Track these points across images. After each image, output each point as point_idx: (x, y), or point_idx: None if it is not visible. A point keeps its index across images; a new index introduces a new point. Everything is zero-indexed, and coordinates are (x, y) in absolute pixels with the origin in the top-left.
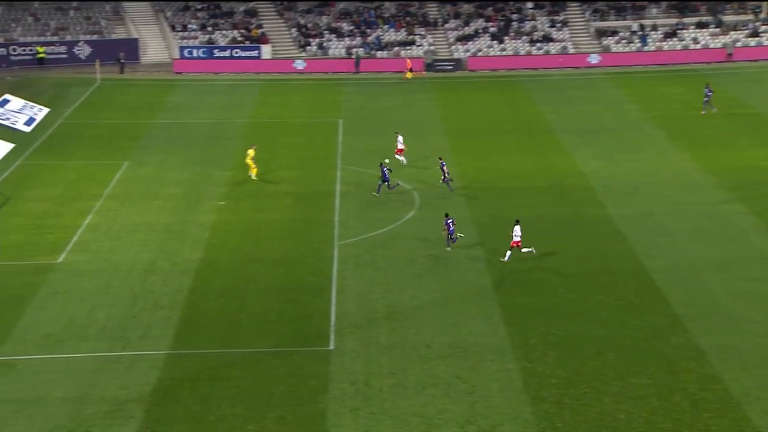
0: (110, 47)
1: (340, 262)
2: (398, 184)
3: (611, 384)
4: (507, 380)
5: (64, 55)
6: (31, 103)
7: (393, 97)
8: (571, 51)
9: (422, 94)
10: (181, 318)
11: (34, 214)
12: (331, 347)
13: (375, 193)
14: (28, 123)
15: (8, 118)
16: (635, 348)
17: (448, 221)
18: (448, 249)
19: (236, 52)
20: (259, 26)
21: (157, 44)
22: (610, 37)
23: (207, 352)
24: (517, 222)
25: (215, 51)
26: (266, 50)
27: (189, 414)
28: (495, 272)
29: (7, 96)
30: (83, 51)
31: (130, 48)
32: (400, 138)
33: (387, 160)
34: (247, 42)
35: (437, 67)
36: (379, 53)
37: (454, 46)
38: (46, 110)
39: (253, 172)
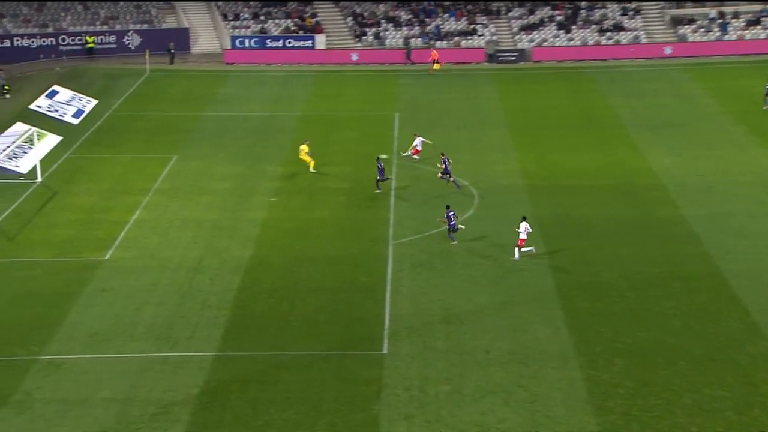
0: (160, 37)
1: (394, 262)
2: (389, 178)
3: (683, 395)
4: (570, 389)
5: (114, 45)
6: (80, 95)
7: (452, 90)
8: (644, 41)
9: (483, 86)
10: (229, 318)
11: (82, 209)
12: (385, 351)
13: (377, 191)
14: (76, 115)
15: (56, 110)
16: (710, 357)
17: (450, 213)
18: (455, 243)
19: (289, 42)
20: (314, 15)
21: (208, 34)
22: (686, 26)
23: (256, 354)
24: (524, 219)
25: (268, 41)
26: (320, 40)
27: (236, 418)
28: (558, 275)
29: (55, 87)
30: (133, 41)
31: (181, 38)
32: (420, 139)
33: (384, 156)
34: (301, 32)
35: (499, 58)
36: (438, 43)
37: (517, 36)
38: (94, 102)
39: (311, 165)
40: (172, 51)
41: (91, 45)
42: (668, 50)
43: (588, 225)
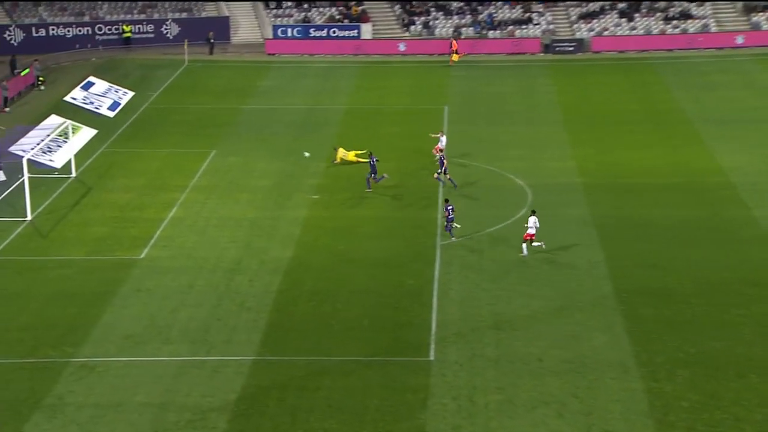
0: (199, 26)
1: (442, 264)
2: (384, 176)
3: (754, 411)
4: (630, 401)
5: (151, 35)
6: (116, 86)
7: (506, 82)
8: (714, 29)
9: (538, 79)
10: (268, 321)
11: (117, 206)
12: (432, 358)
13: (367, 190)
14: (112, 107)
15: (92, 102)
16: None
17: (449, 207)
18: (454, 239)
19: (334, 32)
20: (360, 3)
21: (249, 23)
22: (760, 13)
23: (296, 359)
24: (533, 213)
25: (311, 30)
26: (366, 30)
27: (275, 426)
28: (618, 279)
29: (91, 78)
30: (171, 30)
31: (221, 27)
32: (444, 138)
33: (307, 154)
34: (346, 21)
35: (556, 49)
36: (491, 33)
37: (576, 25)
38: (130, 94)
39: (351, 156)
40: (212, 41)
41: (128, 34)
42: (740, 39)
43: (651, 226)
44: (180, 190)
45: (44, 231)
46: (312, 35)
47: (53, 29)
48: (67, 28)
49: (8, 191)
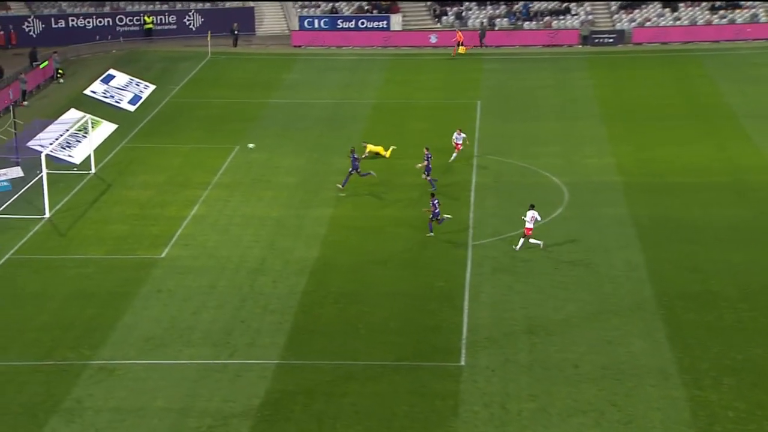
0: (223, 17)
1: (474, 265)
2: (371, 173)
3: None
4: (671, 410)
5: (174, 26)
6: (137, 80)
7: (542, 75)
8: (763, 20)
9: (576, 72)
10: (293, 324)
11: (137, 203)
12: (462, 363)
13: (339, 186)
14: (132, 101)
15: (112, 96)
16: None
17: (434, 201)
18: (431, 235)
19: (362, 23)
20: None
21: (274, 14)
22: None
23: (321, 363)
24: (532, 207)
25: (339, 22)
26: (396, 21)
27: None
28: (659, 282)
29: (111, 71)
30: (194, 21)
31: (245, 18)
32: (462, 135)
33: (251, 145)
34: (375, 11)
35: (595, 41)
36: (526, 24)
37: (616, 16)
38: (152, 87)
39: (384, 152)
40: (236, 32)
41: (150, 26)
42: None
43: (694, 227)
44: (202, 187)
45: (62, 229)
46: (339, 27)
47: (73, 20)
48: (88, 19)
49: (26, 188)
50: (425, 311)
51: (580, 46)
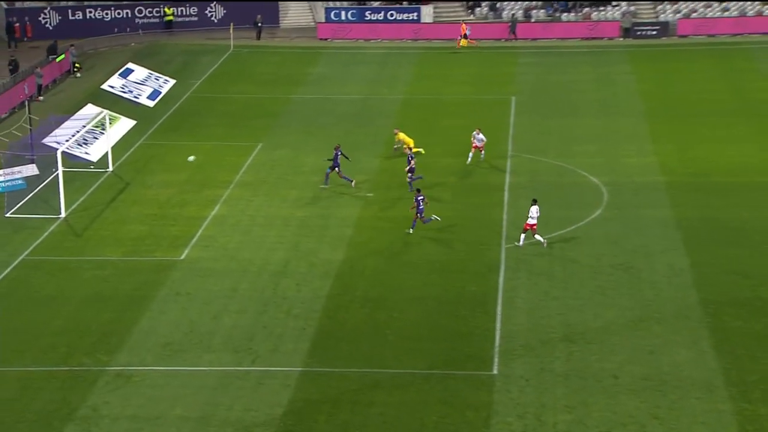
0: (246, 9)
1: (508, 269)
2: (351, 181)
3: None
4: (717, 424)
5: (195, 18)
6: (156, 74)
7: (580, 70)
8: None
9: (617, 66)
10: (317, 330)
11: (156, 203)
12: (495, 372)
13: (323, 185)
14: (152, 96)
15: (131, 91)
16: None
17: (419, 198)
18: (409, 232)
19: (391, 15)
20: None
21: (299, 5)
22: None
23: (347, 371)
24: (535, 202)
25: (367, 13)
26: (427, 12)
27: None
28: (705, 288)
29: (130, 65)
30: (216, 13)
31: (269, 10)
32: (481, 135)
33: (192, 158)
34: (405, 3)
35: (638, 33)
36: (564, 15)
37: (660, 7)
38: (172, 82)
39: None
40: (260, 25)
41: (170, 18)
42: None
43: (743, 230)
44: (224, 186)
45: (79, 229)
46: (367, 18)
47: (91, 12)
48: (106, 11)
49: (41, 186)
50: (456, 317)
51: (622, 39)
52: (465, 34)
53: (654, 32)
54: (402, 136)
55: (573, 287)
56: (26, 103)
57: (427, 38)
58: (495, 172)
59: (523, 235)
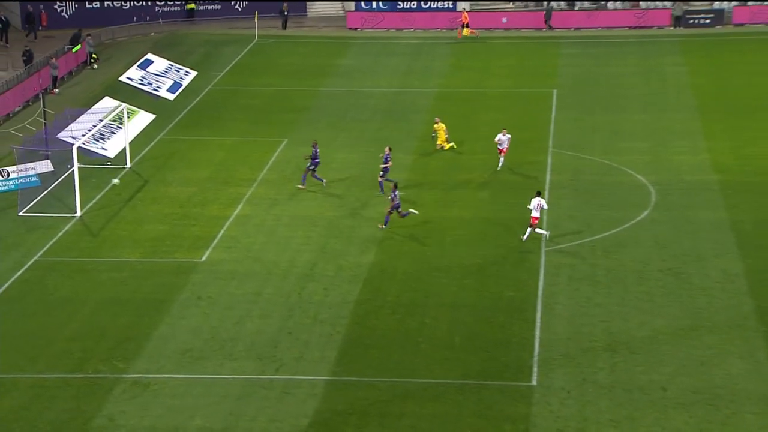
0: None
1: (548, 273)
2: (321, 180)
3: None
4: None
5: (217, 7)
6: (177, 65)
7: (627, 61)
8: None
9: (667, 57)
10: (345, 337)
11: (176, 202)
12: (534, 383)
13: (299, 185)
14: (172, 89)
15: (150, 83)
16: None
17: (395, 193)
18: (383, 228)
19: (425, 3)
20: None
21: None
22: None
23: (376, 380)
24: (538, 194)
25: (399, 1)
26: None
27: None
28: (761, 296)
29: (149, 56)
30: (240, 1)
31: None
32: (507, 137)
33: (116, 180)
34: None
35: (690, 21)
36: (610, 3)
37: None
38: (193, 74)
39: (442, 141)
40: (286, 13)
41: (192, 6)
42: None
43: None
44: (247, 184)
45: (95, 229)
46: (400, 7)
47: (108, 0)
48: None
49: (56, 183)
50: (493, 324)
51: (672, 28)
52: (466, 24)
53: (707, 21)
54: (438, 126)
55: (617, 293)
56: (41, 95)
57: (460, 26)
58: (534, 169)
59: (528, 230)
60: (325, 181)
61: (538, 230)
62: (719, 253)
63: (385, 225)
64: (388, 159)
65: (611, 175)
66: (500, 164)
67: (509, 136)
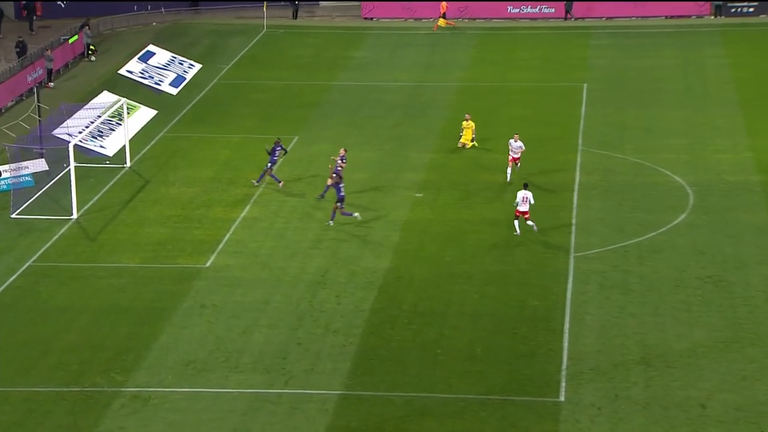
0: None
1: (577, 281)
2: (279, 182)
3: None
4: None
5: None
6: (180, 57)
7: (663, 53)
8: None
9: (707, 48)
10: (359, 348)
11: (179, 203)
12: (562, 399)
13: (254, 182)
14: (175, 83)
15: (151, 77)
16: None
17: (340, 185)
18: (330, 224)
19: None
20: None
21: None
22: None
23: (392, 395)
24: (525, 186)
25: None
26: None
27: None
28: None
29: (151, 47)
30: None
31: None
32: (519, 143)
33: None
34: None
35: (731, 10)
36: None
37: None
38: (197, 66)
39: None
40: (297, 2)
41: None
42: None
43: None
44: (254, 185)
45: (92, 232)
46: None
47: None
48: None
49: (50, 183)
50: (517, 335)
51: (713, 18)
52: (443, 14)
53: (751, 10)
54: (467, 124)
55: (652, 302)
56: (35, 89)
57: (486, 17)
58: (563, 169)
59: (516, 222)
60: (282, 183)
61: (529, 222)
62: (763, 259)
63: (331, 221)
64: (344, 160)
65: (645, 175)
66: (509, 175)
67: (521, 143)
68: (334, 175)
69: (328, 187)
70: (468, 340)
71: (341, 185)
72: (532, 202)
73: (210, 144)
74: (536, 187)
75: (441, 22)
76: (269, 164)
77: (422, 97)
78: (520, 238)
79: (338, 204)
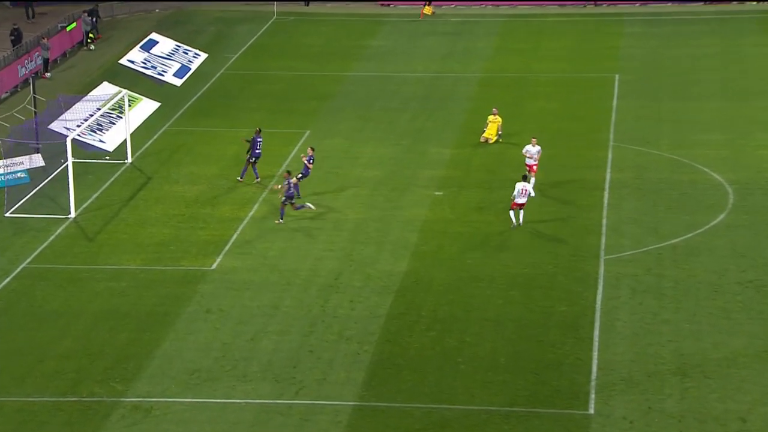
0: None
1: (607, 285)
2: (257, 179)
3: None
4: None
5: None
6: (185, 46)
7: (701, 42)
8: None
9: (748, 36)
10: (374, 356)
11: (183, 201)
12: (591, 411)
13: (239, 178)
14: (179, 74)
15: (154, 67)
16: None
17: (289, 180)
18: (280, 222)
19: None
20: None
21: None
22: None
23: (409, 406)
24: (524, 178)
25: None
26: None
27: None
28: None
29: (154, 36)
30: None
31: None
32: (537, 149)
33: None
34: None
35: None
36: None
37: None
38: (203, 56)
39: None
40: None
41: None
42: None
43: None
44: (263, 182)
45: (91, 232)
46: None
47: None
48: None
49: (47, 180)
50: (543, 343)
51: (755, 3)
52: (428, 2)
53: None
54: (494, 119)
55: (688, 308)
56: (31, 80)
57: (511, 3)
58: (593, 166)
59: (511, 213)
60: (258, 179)
61: (521, 213)
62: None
63: (281, 219)
64: (311, 159)
65: (681, 172)
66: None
67: (539, 147)
68: (300, 175)
69: (294, 186)
70: (491, 348)
71: (290, 181)
72: (532, 194)
73: (216, 138)
74: (564, 185)
75: (427, 9)
76: (253, 157)
77: (442, 88)
78: (551, 241)
79: (288, 200)
